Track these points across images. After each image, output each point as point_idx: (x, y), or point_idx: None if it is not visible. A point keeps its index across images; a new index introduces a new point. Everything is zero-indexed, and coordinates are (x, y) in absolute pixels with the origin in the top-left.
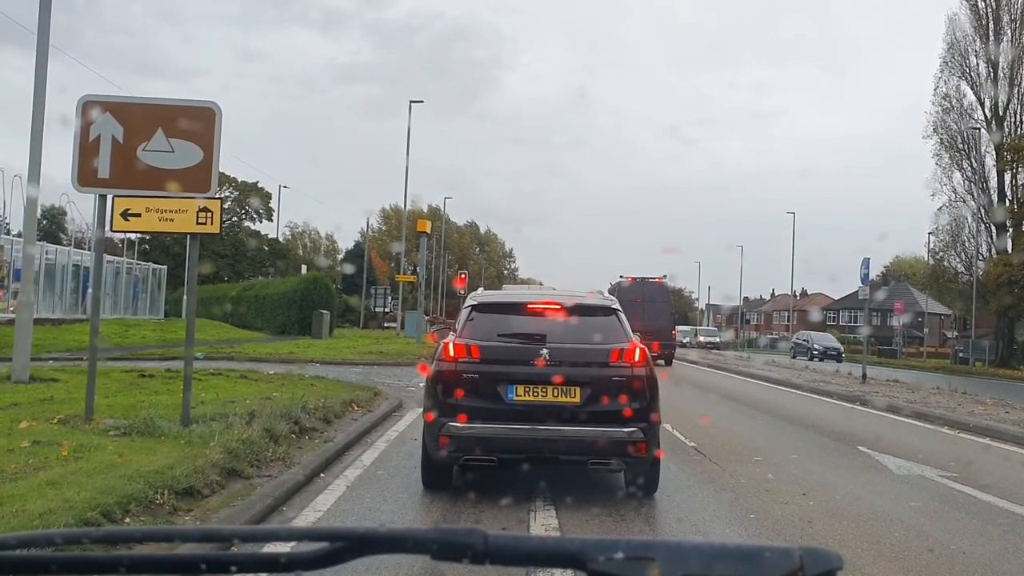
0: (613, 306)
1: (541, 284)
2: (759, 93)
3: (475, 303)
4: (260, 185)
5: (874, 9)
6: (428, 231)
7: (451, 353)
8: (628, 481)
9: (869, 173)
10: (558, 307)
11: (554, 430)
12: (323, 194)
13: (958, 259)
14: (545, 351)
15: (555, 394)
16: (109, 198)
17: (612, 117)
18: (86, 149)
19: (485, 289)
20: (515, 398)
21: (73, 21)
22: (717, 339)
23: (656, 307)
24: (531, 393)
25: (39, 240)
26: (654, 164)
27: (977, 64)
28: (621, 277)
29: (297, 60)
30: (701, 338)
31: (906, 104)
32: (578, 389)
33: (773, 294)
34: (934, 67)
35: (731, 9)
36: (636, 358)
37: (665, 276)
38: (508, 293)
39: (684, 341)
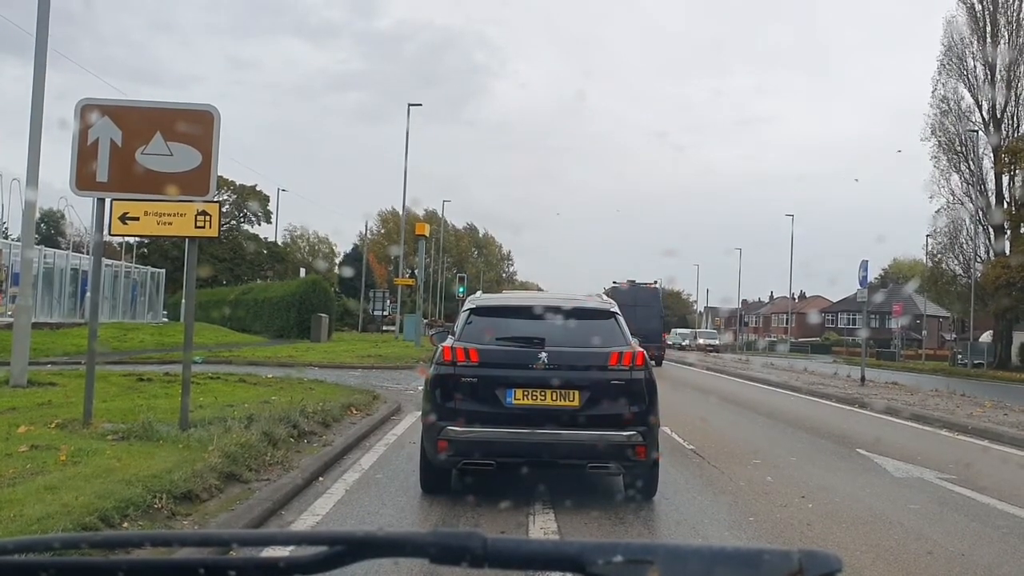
0: (612, 309)
1: (538, 288)
2: (753, 99)
3: (473, 307)
4: (258, 188)
5: (869, 13)
6: (427, 234)
7: (449, 357)
8: (627, 485)
9: (868, 175)
10: (556, 310)
11: (553, 434)
12: (321, 198)
13: (956, 261)
14: (543, 355)
15: (554, 398)
16: (107, 202)
17: (606, 123)
18: (84, 153)
19: (483, 293)
20: (514, 402)
21: (70, 31)
22: (716, 341)
23: (649, 311)
24: (530, 397)
25: (37, 244)
26: (652, 168)
27: (975, 66)
28: (615, 283)
29: (289, 68)
30: (701, 340)
31: (904, 107)
32: (577, 393)
33: (772, 297)
34: (931, 70)
35: (721, 16)
36: (635, 361)
37: (656, 281)
38: (506, 297)
39: (684, 344)
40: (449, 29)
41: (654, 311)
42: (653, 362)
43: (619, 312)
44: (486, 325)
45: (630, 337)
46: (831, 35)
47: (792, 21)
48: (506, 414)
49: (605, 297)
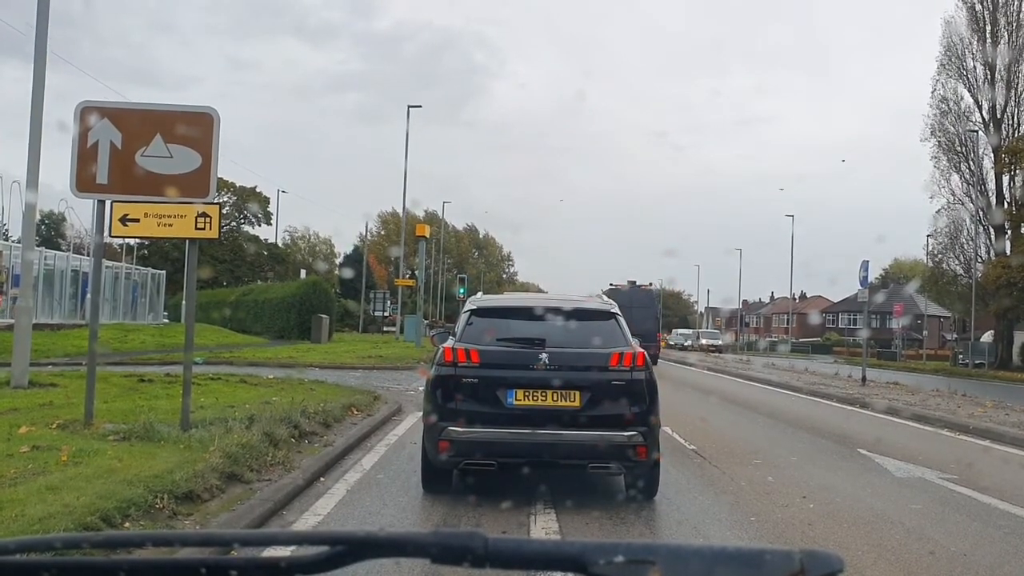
0: (612, 310)
1: (538, 287)
2: (753, 99)
3: (474, 307)
4: (258, 190)
5: (868, 14)
6: (427, 235)
7: (450, 358)
8: (628, 485)
9: (868, 176)
10: (557, 311)
11: (554, 434)
12: (321, 199)
13: (957, 261)
14: (544, 355)
15: (555, 398)
16: (108, 203)
17: (605, 124)
18: (84, 155)
19: (484, 293)
20: (515, 402)
21: (70, 32)
22: (720, 342)
23: (645, 312)
24: (531, 397)
25: (38, 246)
26: (652, 168)
27: (974, 66)
28: (612, 284)
29: (289, 69)
30: (704, 341)
31: (904, 107)
32: (577, 393)
33: (772, 297)
34: (930, 70)
35: (721, 17)
36: (636, 362)
37: (651, 284)
38: (507, 297)
39: (687, 344)
40: (448, 30)
41: (650, 312)
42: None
43: (619, 313)
44: (487, 326)
45: (630, 338)
46: (831, 35)
47: (792, 21)
48: (507, 415)
49: (605, 298)
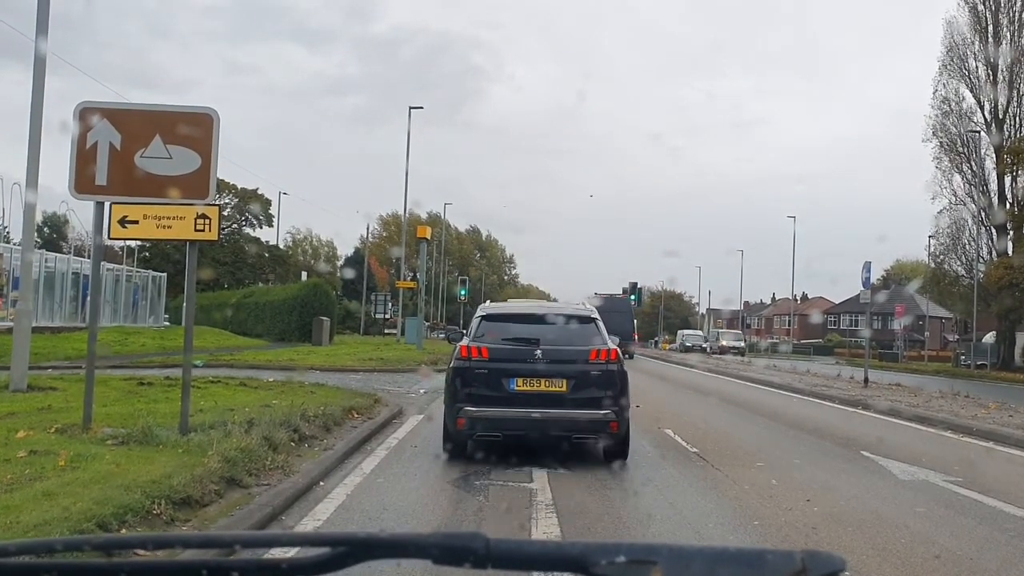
0: (592, 315)
1: (539, 289)
2: (752, 100)
3: (484, 314)
4: (259, 192)
5: (867, 15)
6: (428, 237)
7: (466, 353)
8: (605, 451)
9: (870, 177)
10: (549, 316)
11: (546, 412)
12: (322, 201)
13: (959, 262)
14: (539, 352)
15: (547, 385)
16: (107, 205)
17: (604, 126)
18: (84, 156)
19: (491, 301)
20: (516, 388)
21: (70, 35)
22: (743, 344)
23: (623, 316)
24: (528, 384)
25: (39, 248)
26: (653, 170)
27: (976, 67)
28: (596, 293)
29: (288, 73)
30: (724, 342)
31: (904, 107)
32: (565, 381)
33: (774, 298)
34: (929, 71)
35: (720, 19)
36: (610, 356)
37: (627, 294)
38: (510, 305)
39: (704, 346)
40: (445, 33)
41: (627, 316)
42: (627, 356)
43: (599, 317)
44: (493, 328)
45: (607, 337)
46: (829, 37)
47: (790, 23)
48: (510, 397)
49: (588, 305)
